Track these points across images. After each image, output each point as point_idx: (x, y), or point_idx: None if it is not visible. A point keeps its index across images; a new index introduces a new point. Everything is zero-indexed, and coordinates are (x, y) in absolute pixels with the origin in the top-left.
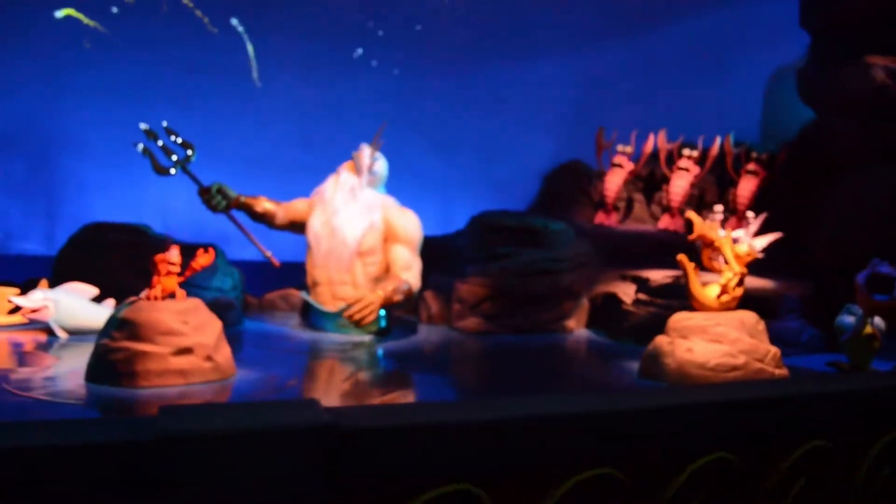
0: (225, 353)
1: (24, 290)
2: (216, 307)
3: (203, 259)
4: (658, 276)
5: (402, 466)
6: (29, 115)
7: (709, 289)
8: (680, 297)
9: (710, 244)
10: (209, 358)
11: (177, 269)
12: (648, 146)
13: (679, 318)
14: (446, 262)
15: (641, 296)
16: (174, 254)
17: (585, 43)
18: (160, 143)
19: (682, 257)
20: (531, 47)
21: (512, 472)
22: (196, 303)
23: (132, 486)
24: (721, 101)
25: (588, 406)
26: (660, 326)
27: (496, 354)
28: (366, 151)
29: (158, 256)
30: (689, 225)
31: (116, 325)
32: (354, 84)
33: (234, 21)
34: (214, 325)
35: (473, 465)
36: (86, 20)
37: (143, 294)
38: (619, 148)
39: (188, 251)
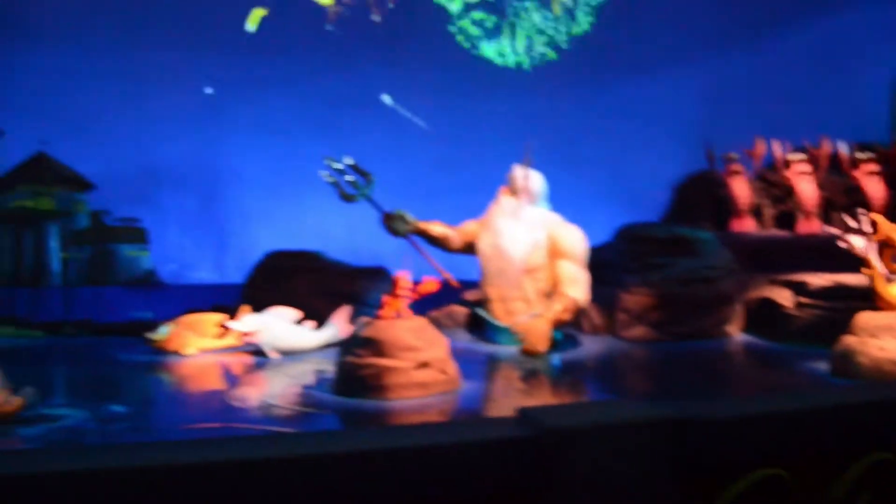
0: (453, 366)
1: (230, 316)
2: None
3: (428, 286)
4: (816, 279)
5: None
6: (197, 154)
7: (895, 288)
8: (846, 298)
9: (893, 245)
10: (443, 370)
11: (406, 292)
12: (761, 150)
13: (866, 318)
14: (594, 274)
15: (804, 299)
16: (405, 279)
17: (709, 51)
18: (344, 173)
19: (866, 258)
20: (654, 60)
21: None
22: (423, 321)
23: (510, 483)
24: (846, 102)
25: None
26: (828, 328)
27: (676, 361)
28: (518, 172)
29: (396, 280)
30: (872, 226)
31: (360, 343)
32: (488, 108)
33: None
34: (442, 340)
35: (781, 452)
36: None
37: (377, 315)
38: (730, 155)
39: (361, 275)
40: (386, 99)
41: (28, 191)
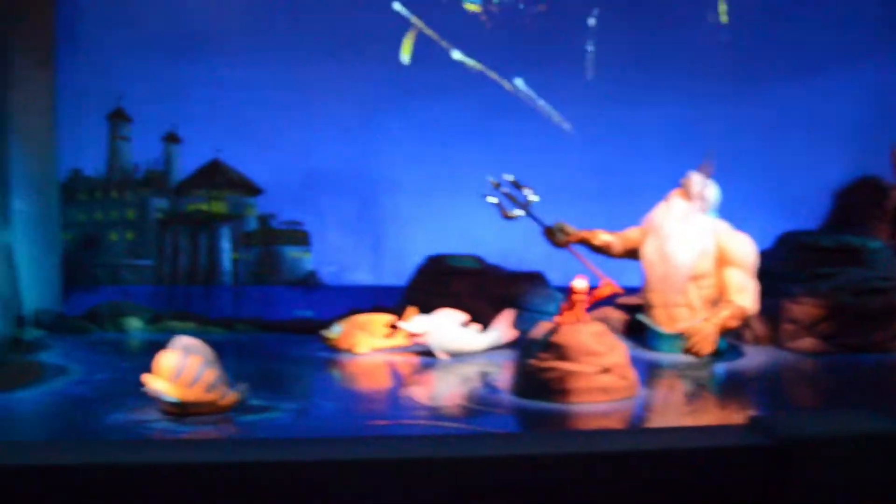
0: (633, 372)
1: (397, 317)
2: None
3: (606, 290)
4: None
5: None
6: (354, 158)
7: None
8: None
9: None
10: (624, 376)
11: (583, 297)
12: None
13: None
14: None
15: None
16: (583, 284)
17: (872, 52)
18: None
19: None
20: (812, 62)
21: None
22: (603, 326)
23: (739, 491)
24: None
25: None
26: None
27: (850, 374)
28: (696, 178)
29: (573, 287)
30: None
31: (543, 346)
32: (638, 113)
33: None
34: (621, 346)
35: None
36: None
37: (556, 319)
38: None
39: (520, 280)
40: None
41: (203, 195)
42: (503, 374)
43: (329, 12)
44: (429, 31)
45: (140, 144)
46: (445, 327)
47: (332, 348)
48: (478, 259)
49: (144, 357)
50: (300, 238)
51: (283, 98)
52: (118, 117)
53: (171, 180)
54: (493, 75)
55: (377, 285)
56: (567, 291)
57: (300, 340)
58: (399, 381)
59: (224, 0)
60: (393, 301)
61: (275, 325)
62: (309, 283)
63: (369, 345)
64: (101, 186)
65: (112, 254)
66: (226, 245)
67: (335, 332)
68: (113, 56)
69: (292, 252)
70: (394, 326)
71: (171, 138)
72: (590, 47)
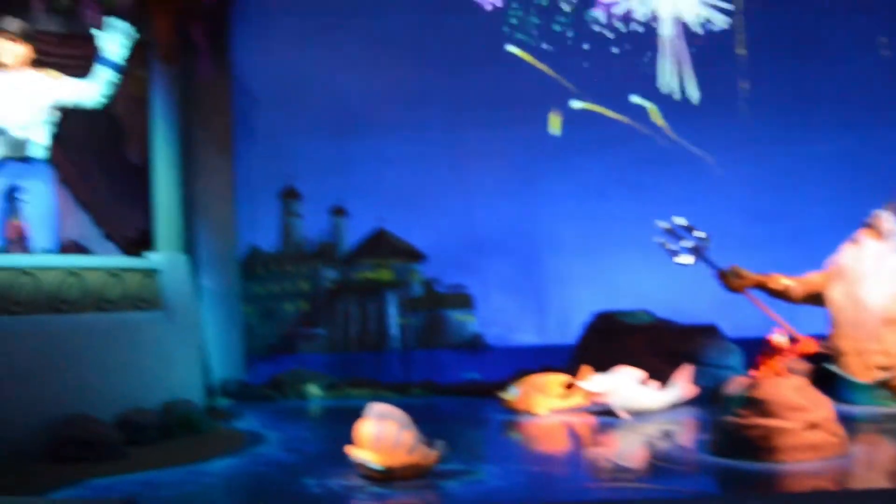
0: (842, 428)
1: (571, 376)
2: None
3: (808, 346)
4: None
5: None
6: (514, 219)
7: None
8: None
9: None
10: (834, 432)
11: (783, 352)
12: None
13: None
14: None
15: None
16: (782, 338)
17: None
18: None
19: None
20: None
21: None
22: (804, 380)
23: None
24: None
25: None
26: None
27: None
28: (886, 216)
29: (771, 340)
30: None
31: (742, 402)
32: (798, 152)
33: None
34: (826, 400)
35: None
36: (555, 125)
37: (752, 374)
38: None
39: (695, 333)
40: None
41: (370, 263)
42: (688, 433)
43: (482, 82)
44: (566, 82)
45: (310, 219)
46: (625, 386)
47: (510, 410)
48: (648, 314)
49: (333, 423)
50: (464, 301)
51: (442, 166)
52: (290, 195)
53: (340, 251)
54: (644, 126)
55: (542, 345)
56: (764, 346)
57: (474, 403)
58: (584, 442)
59: (381, 80)
60: (560, 360)
61: (447, 388)
62: (474, 346)
63: (547, 406)
64: (276, 261)
65: (288, 324)
66: (393, 311)
67: (512, 393)
68: (283, 138)
69: (457, 315)
70: (570, 386)
71: (339, 212)
72: (744, 85)
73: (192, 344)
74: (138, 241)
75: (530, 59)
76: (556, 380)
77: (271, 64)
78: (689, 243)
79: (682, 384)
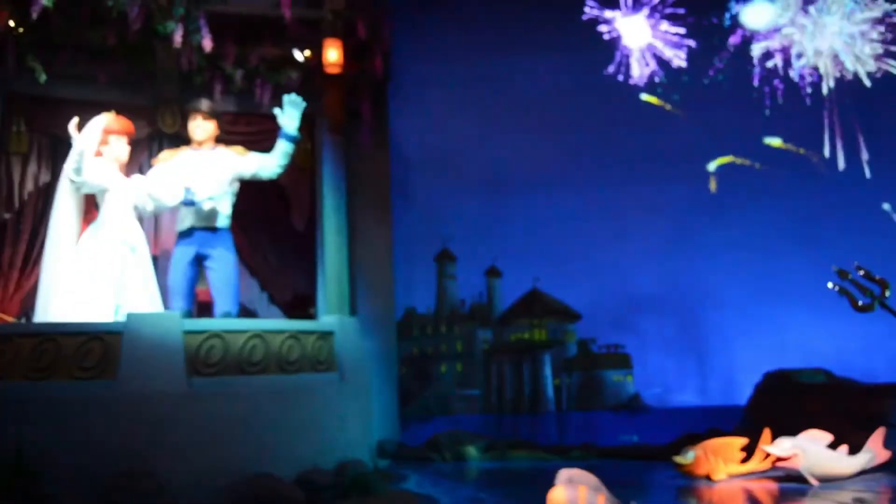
0: None
1: (749, 440)
2: None
3: None
4: None
5: None
6: (671, 277)
7: None
8: None
9: None
10: None
11: None
12: None
13: None
14: None
15: None
16: None
17: None
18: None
19: None
20: None
21: None
22: None
23: None
24: None
25: None
26: None
27: None
28: None
29: None
30: None
31: None
32: None
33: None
34: None
35: None
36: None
37: None
38: None
39: (882, 393)
40: (886, 207)
41: (524, 324)
42: (883, 501)
43: (634, 139)
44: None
45: (464, 280)
46: (813, 450)
47: (686, 474)
48: (824, 371)
49: (499, 485)
50: (622, 361)
51: (595, 224)
52: (444, 258)
53: (495, 312)
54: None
55: (704, 405)
56: None
57: (638, 466)
58: None
59: (532, 141)
60: (727, 422)
61: (607, 451)
62: (632, 407)
63: (726, 470)
64: (431, 322)
65: (442, 385)
66: (548, 372)
67: (689, 457)
68: (438, 202)
69: (614, 376)
70: (749, 450)
71: (493, 272)
72: None
73: (363, 405)
74: (298, 305)
75: (663, 104)
76: (735, 443)
77: (424, 131)
78: (868, 291)
79: (875, 448)
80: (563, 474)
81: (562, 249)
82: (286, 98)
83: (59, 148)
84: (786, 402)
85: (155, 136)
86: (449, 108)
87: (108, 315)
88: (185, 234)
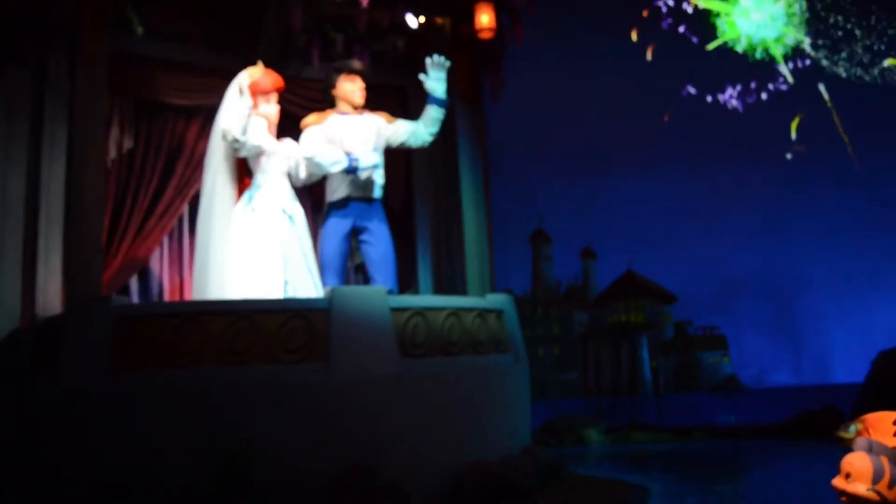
0: None
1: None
2: None
3: None
4: None
5: None
6: (768, 262)
7: None
8: None
9: None
10: None
11: None
12: None
13: None
14: None
15: None
16: None
17: None
18: None
19: None
20: None
21: None
22: None
23: None
24: None
25: None
26: None
27: None
28: None
29: None
30: None
31: None
32: None
33: None
34: None
35: None
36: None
37: None
38: None
39: None
40: None
41: (621, 306)
42: None
43: (729, 119)
44: (836, 120)
45: (560, 261)
46: None
47: (849, 448)
48: None
49: (688, 469)
50: (718, 343)
51: (691, 206)
52: (540, 238)
53: (591, 294)
54: None
55: (799, 384)
56: None
57: (770, 445)
58: None
59: (627, 122)
60: (822, 400)
61: (729, 430)
62: (729, 388)
63: (887, 442)
64: (527, 304)
65: (540, 368)
66: (645, 354)
67: (852, 430)
68: (531, 181)
69: (711, 357)
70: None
71: (588, 254)
72: None
73: (528, 387)
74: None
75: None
76: (890, 417)
77: (519, 108)
78: None
79: None
80: (861, 441)
81: (657, 232)
82: (430, 60)
83: (142, 111)
84: None
85: None
86: (544, 87)
87: (278, 291)
88: (340, 205)
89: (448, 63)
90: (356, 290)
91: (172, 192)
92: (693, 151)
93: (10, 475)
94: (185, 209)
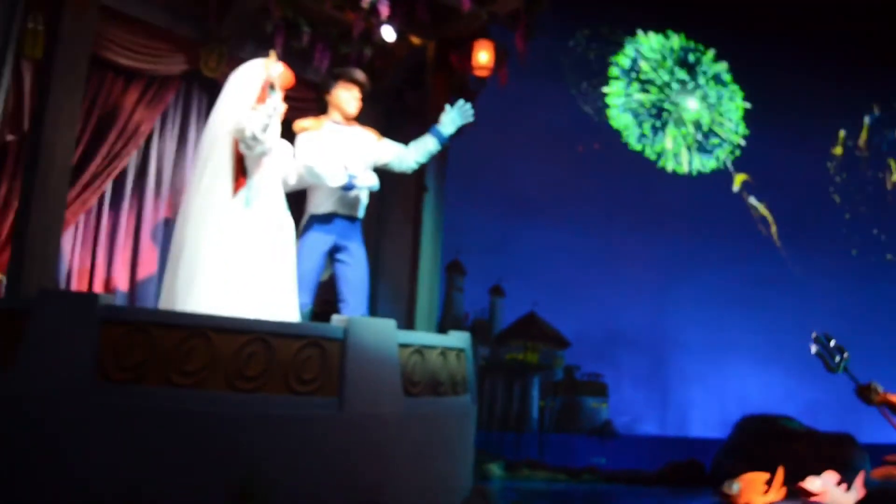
0: None
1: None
2: None
3: None
4: None
5: None
6: (648, 320)
7: None
8: None
9: None
10: None
11: None
12: None
13: None
14: None
15: None
16: None
17: None
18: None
19: None
20: None
21: None
22: None
23: None
24: None
25: None
26: None
27: None
28: None
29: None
30: None
31: None
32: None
33: None
34: None
35: None
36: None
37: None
38: None
39: (836, 441)
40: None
41: (520, 345)
42: None
43: (636, 190)
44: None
45: (470, 295)
46: (833, 488)
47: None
48: (797, 421)
49: None
50: (599, 390)
51: (593, 261)
52: (455, 269)
53: (495, 330)
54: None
55: (662, 436)
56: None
57: (652, 492)
58: None
59: (549, 173)
60: (683, 453)
61: (615, 475)
62: (604, 433)
63: (761, 500)
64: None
65: None
66: (535, 393)
67: (734, 489)
68: (454, 210)
69: (592, 402)
70: (768, 484)
71: (497, 291)
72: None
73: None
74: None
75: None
76: (763, 478)
77: (454, 140)
78: (836, 357)
79: (859, 486)
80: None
81: (561, 279)
82: (460, 103)
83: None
84: (769, 445)
85: (190, 76)
86: (485, 121)
87: (261, 308)
88: (324, 220)
89: (471, 114)
90: (371, 323)
91: (99, 163)
92: (601, 211)
93: None
94: (109, 186)
